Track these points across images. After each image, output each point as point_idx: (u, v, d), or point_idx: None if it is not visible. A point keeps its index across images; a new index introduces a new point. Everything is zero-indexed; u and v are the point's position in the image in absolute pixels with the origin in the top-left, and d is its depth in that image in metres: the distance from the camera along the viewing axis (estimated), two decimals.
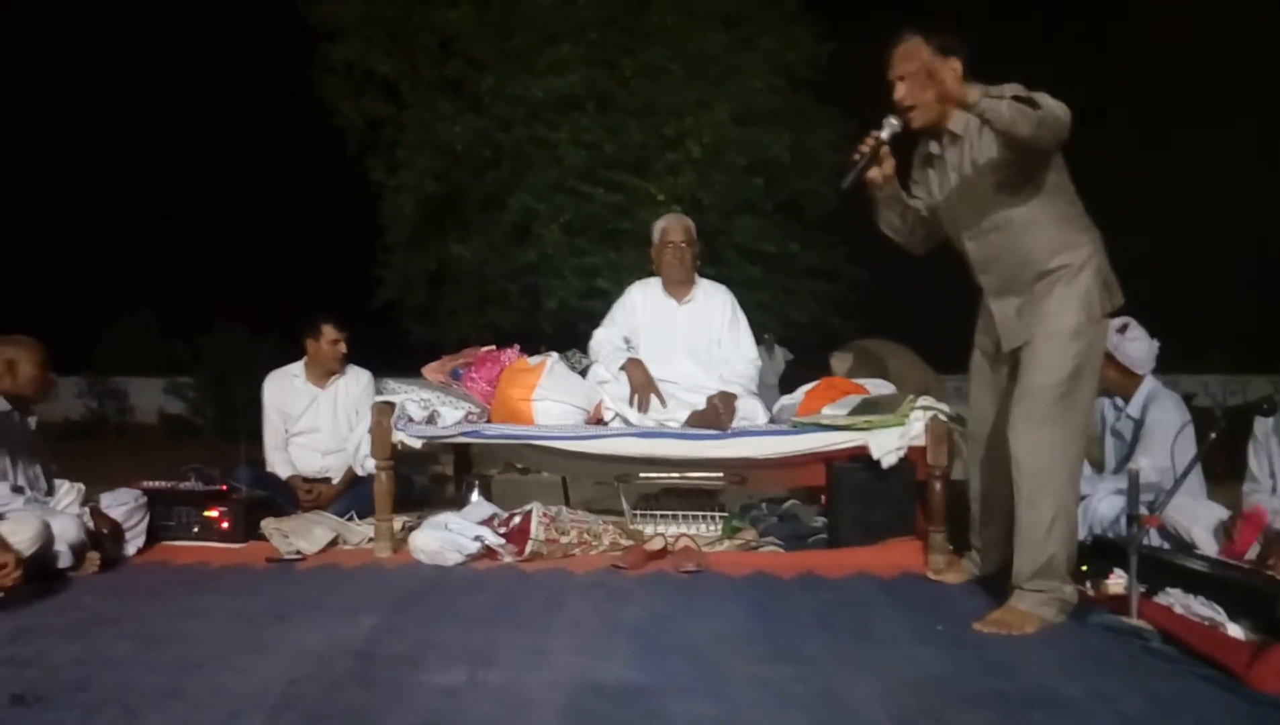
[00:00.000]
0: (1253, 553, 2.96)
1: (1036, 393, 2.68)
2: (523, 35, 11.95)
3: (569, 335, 9.80)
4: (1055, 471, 2.67)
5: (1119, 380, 3.59)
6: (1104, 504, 3.26)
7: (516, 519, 3.70)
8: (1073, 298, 2.68)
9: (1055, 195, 2.72)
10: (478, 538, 3.56)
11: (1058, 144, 2.57)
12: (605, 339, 4.21)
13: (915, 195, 3.00)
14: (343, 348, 4.52)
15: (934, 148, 2.89)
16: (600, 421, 3.94)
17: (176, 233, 23.00)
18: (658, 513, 4.13)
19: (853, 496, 3.69)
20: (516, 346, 4.28)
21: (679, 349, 4.16)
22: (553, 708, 2.03)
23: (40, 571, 3.17)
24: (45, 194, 22.06)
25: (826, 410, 3.72)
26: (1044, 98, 2.46)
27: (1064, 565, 2.71)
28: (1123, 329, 3.55)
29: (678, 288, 4.24)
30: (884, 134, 2.79)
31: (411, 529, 3.70)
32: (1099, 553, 3.15)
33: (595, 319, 4.48)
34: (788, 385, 4.17)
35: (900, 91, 2.76)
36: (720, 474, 4.15)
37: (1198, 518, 3.11)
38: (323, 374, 4.54)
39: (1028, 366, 2.73)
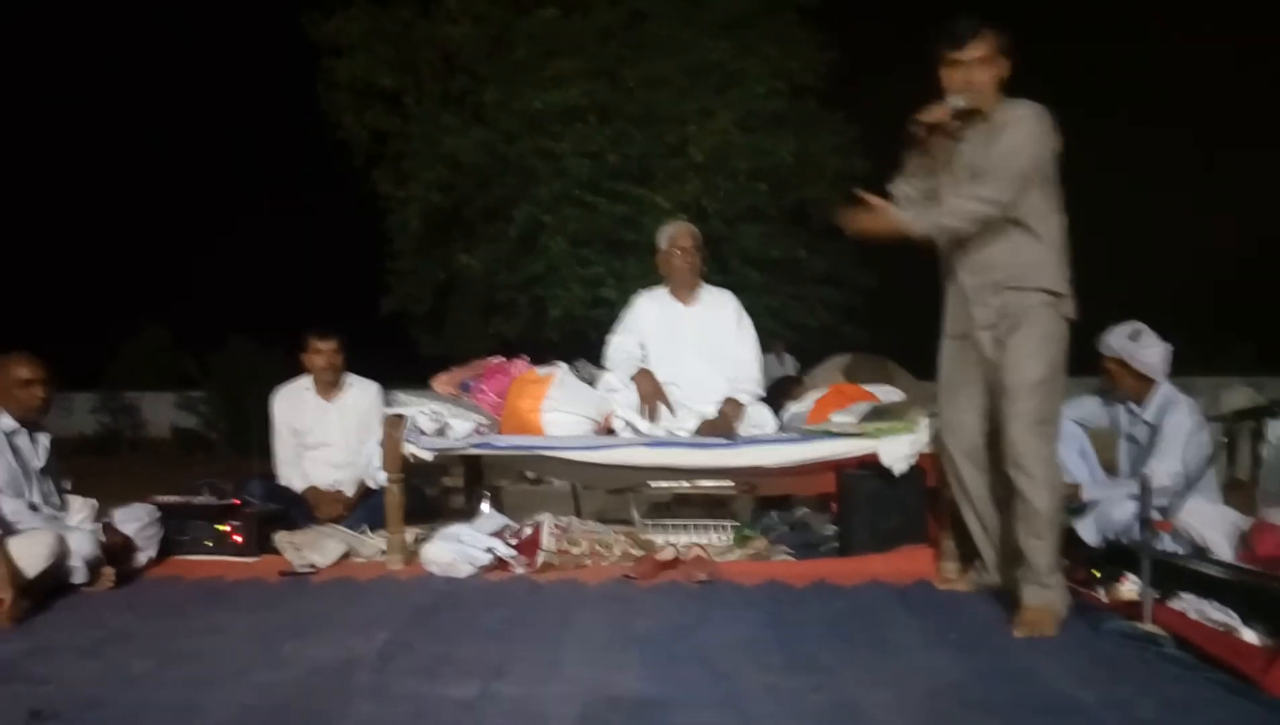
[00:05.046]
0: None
1: (1025, 387, 2.77)
2: (524, 49, 12.00)
3: (574, 344, 9.81)
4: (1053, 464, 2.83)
5: (1134, 386, 3.58)
6: (1117, 509, 3.25)
7: (527, 530, 3.71)
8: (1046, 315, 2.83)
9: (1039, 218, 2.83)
10: (489, 549, 3.57)
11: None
12: (620, 346, 4.22)
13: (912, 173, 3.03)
14: (330, 358, 4.46)
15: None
16: (610, 431, 3.95)
17: (187, 248, 23.11)
18: (669, 522, 4.14)
19: (864, 504, 3.69)
20: (526, 357, 4.30)
21: (688, 351, 4.17)
22: (567, 720, 2.03)
23: (54, 587, 3.20)
24: (57, 212, 22.24)
25: (836, 417, 3.72)
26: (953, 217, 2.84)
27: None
28: (1135, 336, 3.54)
29: (684, 292, 4.26)
30: (951, 103, 2.86)
31: (423, 541, 3.72)
32: (1112, 558, 3.15)
33: (600, 328, 4.50)
34: (771, 400, 4.18)
35: (968, 75, 2.86)
36: (731, 482, 4.16)
37: (1212, 522, 3.10)
38: (327, 387, 4.55)
39: (1013, 366, 2.80)
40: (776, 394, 4.35)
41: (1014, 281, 2.83)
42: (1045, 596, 2.72)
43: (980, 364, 2.94)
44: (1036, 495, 2.73)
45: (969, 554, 3.26)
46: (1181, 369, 3.59)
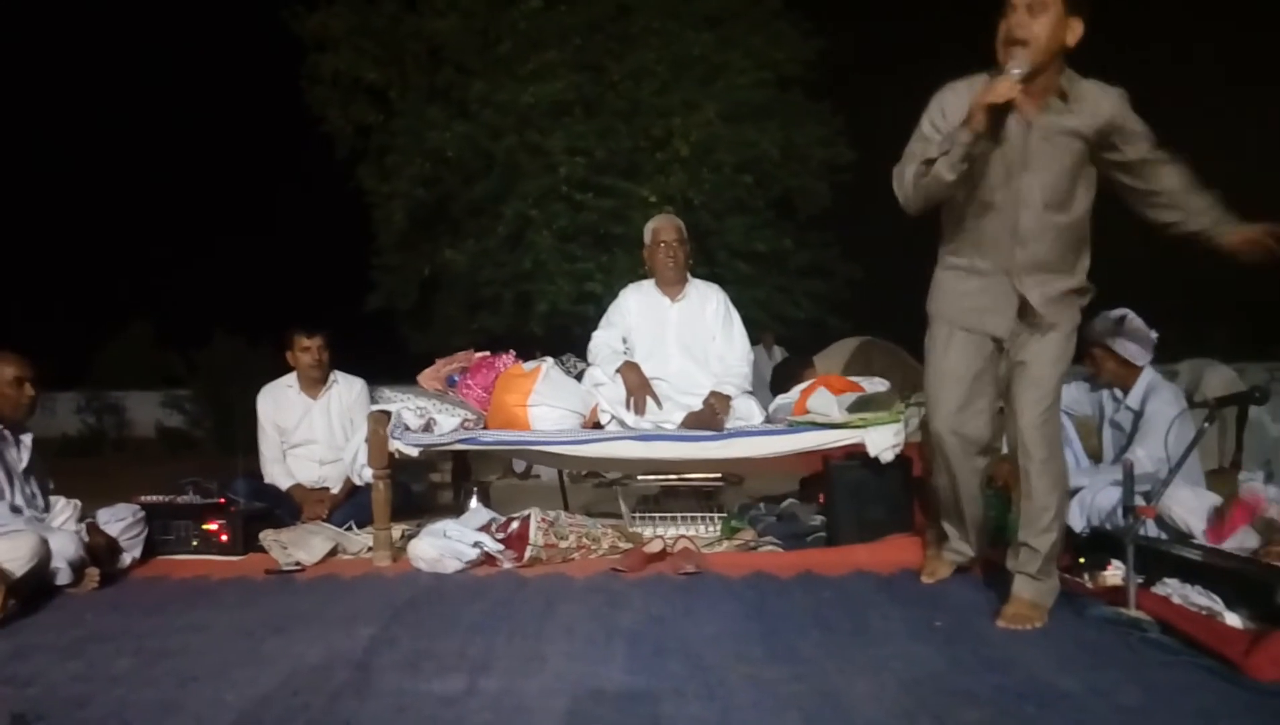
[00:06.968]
0: (1239, 540, 2.96)
1: (1048, 383, 2.72)
2: (509, 42, 11.97)
3: (560, 339, 9.82)
4: (1061, 457, 2.80)
5: (1118, 372, 3.59)
6: (1101, 495, 3.26)
7: (515, 525, 3.70)
8: (1077, 312, 2.82)
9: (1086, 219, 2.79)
10: (477, 544, 3.56)
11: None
12: (604, 342, 4.21)
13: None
14: (316, 354, 4.45)
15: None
16: (596, 425, 3.94)
17: (171, 246, 23.00)
18: (656, 515, 4.14)
19: (850, 494, 3.70)
20: (512, 352, 4.28)
21: (673, 346, 4.17)
22: (551, 714, 2.03)
23: (38, 588, 3.18)
24: (40, 210, 22.07)
25: (822, 408, 3.72)
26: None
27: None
28: (1120, 321, 3.55)
29: (671, 287, 4.25)
30: (1016, 73, 2.52)
31: (410, 537, 3.71)
32: (1096, 544, 3.16)
33: (586, 323, 4.49)
34: (778, 385, 4.19)
35: (1022, 20, 2.54)
36: (719, 475, 4.16)
37: (1194, 508, 3.11)
38: (312, 384, 4.53)
39: (1039, 357, 2.74)
40: (786, 376, 4.34)
41: (1077, 284, 2.78)
42: (1037, 590, 2.71)
43: (995, 356, 2.85)
44: (1043, 492, 2.71)
45: (941, 535, 3.25)
46: (1160, 355, 3.59)
